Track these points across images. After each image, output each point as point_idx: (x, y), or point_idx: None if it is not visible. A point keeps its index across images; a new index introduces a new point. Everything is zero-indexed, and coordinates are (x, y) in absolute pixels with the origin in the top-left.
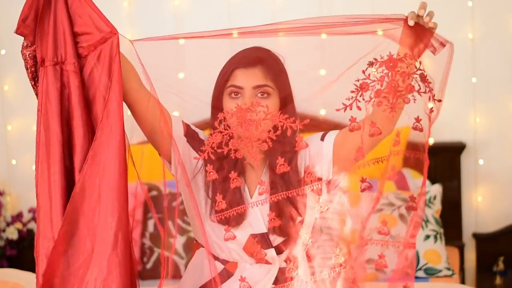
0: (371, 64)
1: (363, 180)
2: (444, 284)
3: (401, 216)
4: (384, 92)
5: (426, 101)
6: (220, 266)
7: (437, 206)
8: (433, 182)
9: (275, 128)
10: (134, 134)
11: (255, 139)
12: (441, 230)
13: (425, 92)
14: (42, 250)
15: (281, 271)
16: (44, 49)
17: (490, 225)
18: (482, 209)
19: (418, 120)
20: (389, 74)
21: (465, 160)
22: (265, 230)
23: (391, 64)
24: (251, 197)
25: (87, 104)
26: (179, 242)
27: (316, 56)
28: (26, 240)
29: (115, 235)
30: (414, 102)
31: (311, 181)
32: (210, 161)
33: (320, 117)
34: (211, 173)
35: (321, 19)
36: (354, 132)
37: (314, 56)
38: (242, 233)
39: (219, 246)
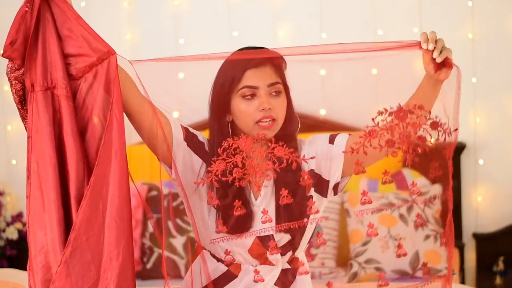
0: (380, 113)
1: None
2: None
3: (401, 216)
4: (397, 142)
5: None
6: (223, 268)
7: (437, 206)
8: (433, 182)
9: (279, 160)
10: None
11: (259, 170)
12: (441, 230)
13: (437, 140)
14: (38, 276)
15: (284, 272)
16: (34, 74)
17: (490, 225)
18: (482, 209)
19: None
20: (400, 124)
21: (465, 160)
22: (271, 232)
23: (401, 114)
24: (255, 198)
25: (81, 127)
26: (179, 242)
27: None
28: (26, 240)
29: (123, 263)
30: (427, 150)
31: (316, 183)
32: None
33: (320, 117)
34: (212, 198)
35: (331, 47)
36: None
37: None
38: (248, 236)
39: (223, 249)
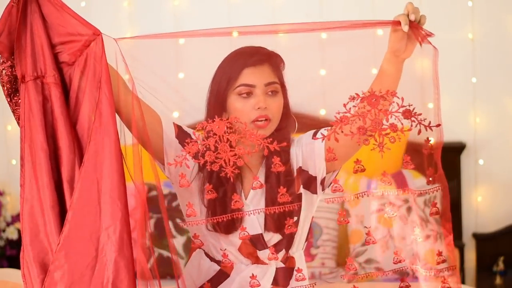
0: (352, 98)
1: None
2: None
3: (401, 216)
4: (369, 129)
5: (418, 137)
6: (216, 267)
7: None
8: (428, 183)
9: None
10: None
11: (232, 154)
12: (441, 230)
13: (410, 130)
14: (35, 262)
15: (280, 271)
16: (24, 66)
17: (490, 225)
18: (482, 209)
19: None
20: (372, 111)
21: (465, 160)
22: (260, 231)
23: (373, 100)
24: (245, 198)
25: (75, 111)
26: (179, 242)
27: (316, 56)
28: None
29: (120, 237)
30: (400, 141)
31: (304, 179)
32: (207, 176)
33: (320, 117)
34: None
35: (319, 24)
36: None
37: (314, 56)
38: (234, 236)
39: (215, 248)
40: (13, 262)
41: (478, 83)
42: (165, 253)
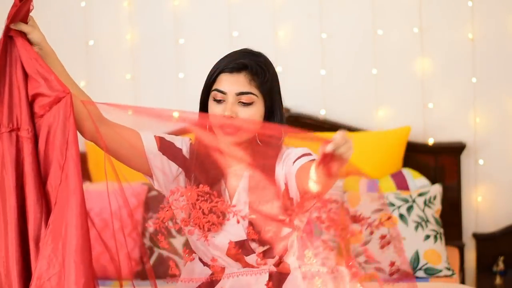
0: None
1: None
2: (444, 284)
3: (401, 216)
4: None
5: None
6: (208, 272)
7: (437, 206)
8: (433, 182)
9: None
10: None
11: (205, 221)
12: (441, 230)
13: (361, 233)
14: None
15: (273, 275)
16: (0, 116)
17: (490, 225)
18: (482, 209)
19: (392, 264)
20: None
21: (465, 160)
22: (244, 237)
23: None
24: (230, 201)
25: (45, 168)
26: (179, 242)
27: (316, 56)
28: None
29: None
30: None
31: (287, 199)
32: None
33: (320, 117)
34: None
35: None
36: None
37: (314, 56)
38: (222, 239)
39: (204, 253)
40: None
41: (478, 83)
42: (165, 253)
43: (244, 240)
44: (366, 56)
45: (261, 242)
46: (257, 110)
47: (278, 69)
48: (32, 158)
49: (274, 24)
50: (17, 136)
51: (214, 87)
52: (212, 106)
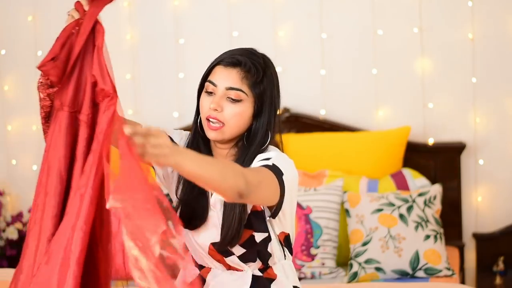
0: None
1: None
2: (444, 284)
3: (401, 216)
4: None
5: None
6: (196, 272)
7: (437, 206)
8: (433, 182)
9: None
10: None
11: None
12: (441, 230)
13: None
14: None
15: (256, 279)
16: (65, 95)
17: (490, 225)
18: (482, 209)
19: None
20: None
21: (465, 160)
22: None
23: None
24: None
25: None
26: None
27: (316, 56)
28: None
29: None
30: None
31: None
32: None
33: (320, 117)
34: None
35: None
36: None
37: (314, 56)
38: (204, 239)
39: (193, 252)
40: (13, 262)
41: (478, 83)
42: (165, 253)
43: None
44: (366, 56)
45: (235, 242)
46: (244, 108)
47: (278, 69)
48: (85, 143)
49: (274, 24)
50: (76, 119)
51: (208, 78)
52: (202, 97)
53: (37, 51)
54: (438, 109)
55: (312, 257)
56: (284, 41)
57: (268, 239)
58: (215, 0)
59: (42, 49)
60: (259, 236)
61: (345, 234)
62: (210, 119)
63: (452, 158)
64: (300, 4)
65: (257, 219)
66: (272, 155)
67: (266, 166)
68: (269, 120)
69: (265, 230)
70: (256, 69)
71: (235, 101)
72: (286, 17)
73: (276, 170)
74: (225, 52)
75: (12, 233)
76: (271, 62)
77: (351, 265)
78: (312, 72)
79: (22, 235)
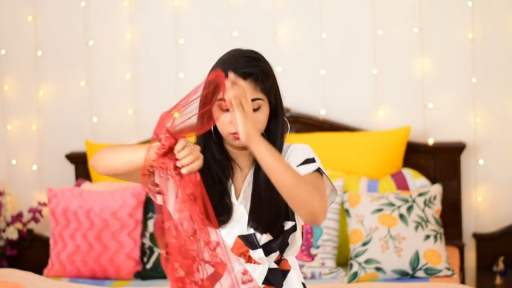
0: None
1: None
2: (444, 284)
3: (401, 216)
4: None
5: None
6: (210, 269)
7: (437, 206)
8: (433, 182)
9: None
10: (134, 134)
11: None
12: (441, 230)
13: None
14: None
15: (271, 271)
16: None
17: (490, 225)
18: (482, 209)
19: None
20: None
21: (465, 160)
22: (252, 231)
23: None
24: (237, 198)
25: None
26: None
27: (316, 56)
28: (26, 240)
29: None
30: None
31: None
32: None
33: (320, 117)
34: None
35: None
36: None
37: (314, 56)
38: (229, 235)
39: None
40: (13, 262)
41: (478, 83)
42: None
43: (251, 234)
44: (366, 56)
45: (264, 230)
46: (264, 113)
47: (278, 69)
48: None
49: (274, 24)
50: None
51: (220, 96)
52: (218, 113)
53: (37, 51)
54: (438, 109)
55: (312, 257)
56: (284, 41)
57: (294, 228)
58: (215, 0)
59: (42, 49)
60: (288, 224)
61: (345, 234)
62: (234, 133)
63: (452, 158)
64: (300, 4)
65: (287, 206)
66: (307, 153)
67: (318, 171)
68: (282, 110)
69: (293, 218)
70: (264, 73)
71: (255, 110)
72: (286, 17)
73: (323, 176)
74: (227, 63)
75: (12, 233)
76: (263, 56)
77: (351, 265)
78: (312, 72)
79: (22, 235)
